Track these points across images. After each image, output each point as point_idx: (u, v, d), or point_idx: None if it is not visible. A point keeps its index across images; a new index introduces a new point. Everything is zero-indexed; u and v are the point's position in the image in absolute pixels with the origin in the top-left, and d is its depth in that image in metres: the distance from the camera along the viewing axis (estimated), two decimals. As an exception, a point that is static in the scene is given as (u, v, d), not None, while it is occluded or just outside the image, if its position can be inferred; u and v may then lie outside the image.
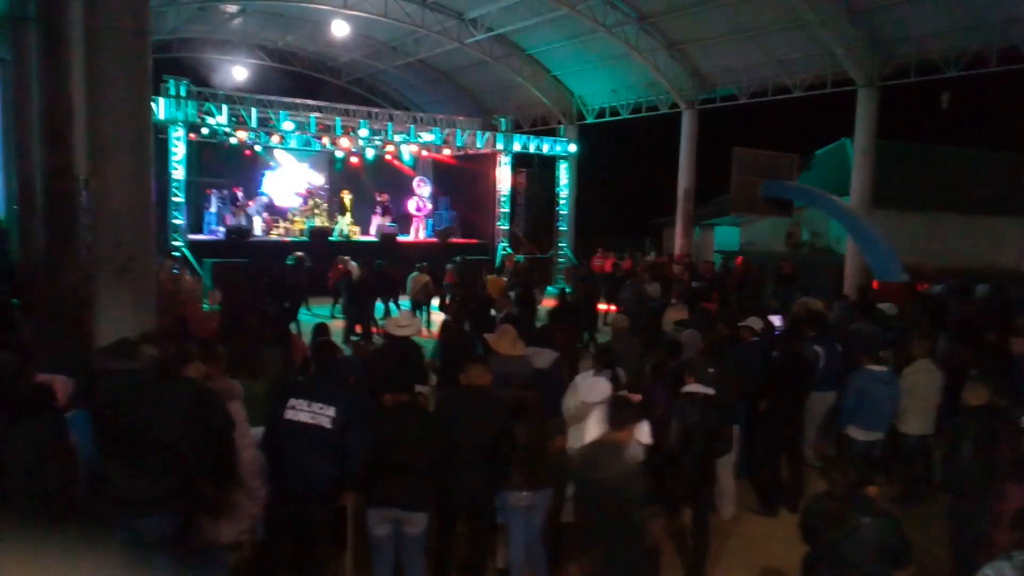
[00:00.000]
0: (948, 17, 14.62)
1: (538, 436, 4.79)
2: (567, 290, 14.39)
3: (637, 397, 4.96)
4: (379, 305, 14.06)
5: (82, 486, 3.55)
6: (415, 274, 14.51)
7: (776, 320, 8.63)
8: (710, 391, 5.48)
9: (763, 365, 6.86)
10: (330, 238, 19.65)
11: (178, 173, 16.83)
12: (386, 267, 14.98)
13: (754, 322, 7.56)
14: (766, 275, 17.90)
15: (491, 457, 4.62)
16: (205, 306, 11.34)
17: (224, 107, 17.20)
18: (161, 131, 15.79)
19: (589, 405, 5.65)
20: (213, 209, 20.05)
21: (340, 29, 20.03)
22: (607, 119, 23.04)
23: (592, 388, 5.76)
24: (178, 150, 16.78)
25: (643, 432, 4.83)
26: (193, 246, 17.07)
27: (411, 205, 23.81)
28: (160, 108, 15.90)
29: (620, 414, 4.35)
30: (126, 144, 6.45)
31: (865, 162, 16.78)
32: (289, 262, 14.84)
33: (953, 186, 24.91)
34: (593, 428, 5.21)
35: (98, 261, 6.53)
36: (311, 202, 21.64)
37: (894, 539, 3.60)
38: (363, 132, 18.97)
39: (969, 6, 14.13)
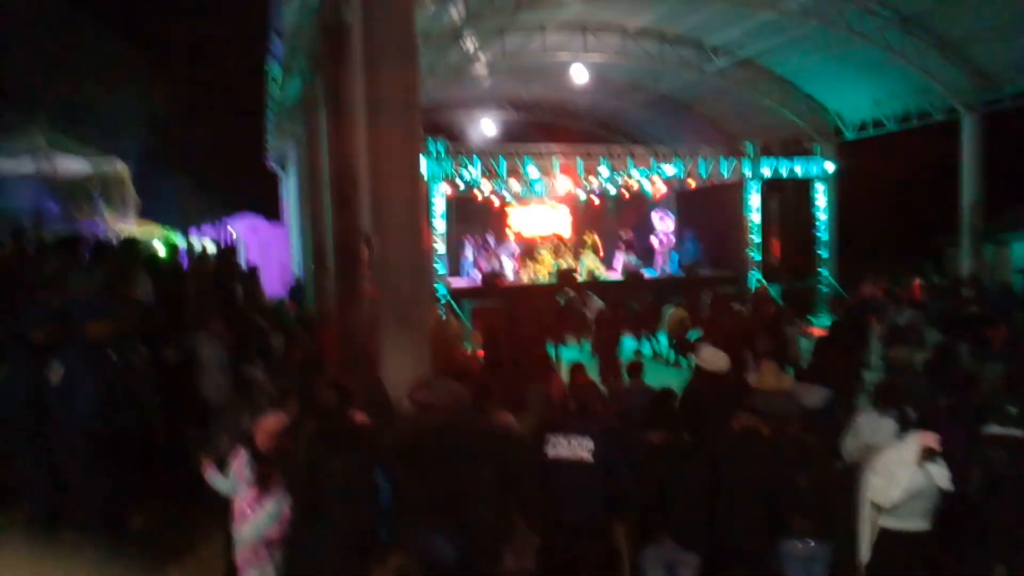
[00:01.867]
0: None
1: (822, 483, 4.43)
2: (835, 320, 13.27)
3: (934, 436, 4.41)
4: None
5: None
6: (671, 309, 14.38)
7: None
8: (1019, 433, 4.73)
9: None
10: (577, 277, 20.11)
11: (439, 225, 18.31)
12: (643, 306, 15.19)
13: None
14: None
15: (772, 505, 4.35)
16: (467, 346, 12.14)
17: (476, 159, 18.50)
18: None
19: (873, 448, 5.13)
20: (468, 255, 21.52)
21: (579, 74, 20.68)
22: (870, 133, 21.16)
23: (877, 429, 5.25)
24: (438, 204, 18.29)
25: (943, 474, 4.31)
26: (453, 291, 18.40)
27: (653, 240, 23.68)
28: (424, 168, 17.50)
29: None
30: (402, 203, 7.15)
31: None
32: (560, 302, 15.42)
33: None
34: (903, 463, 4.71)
35: (381, 310, 7.25)
36: (556, 243, 22.34)
37: None
38: (604, 171, 19.29)
39: None
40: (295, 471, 3.75)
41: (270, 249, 30.85)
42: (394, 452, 3.95)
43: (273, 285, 28.57)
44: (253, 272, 12.68)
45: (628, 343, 15.10)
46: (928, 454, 4.35)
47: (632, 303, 15.51)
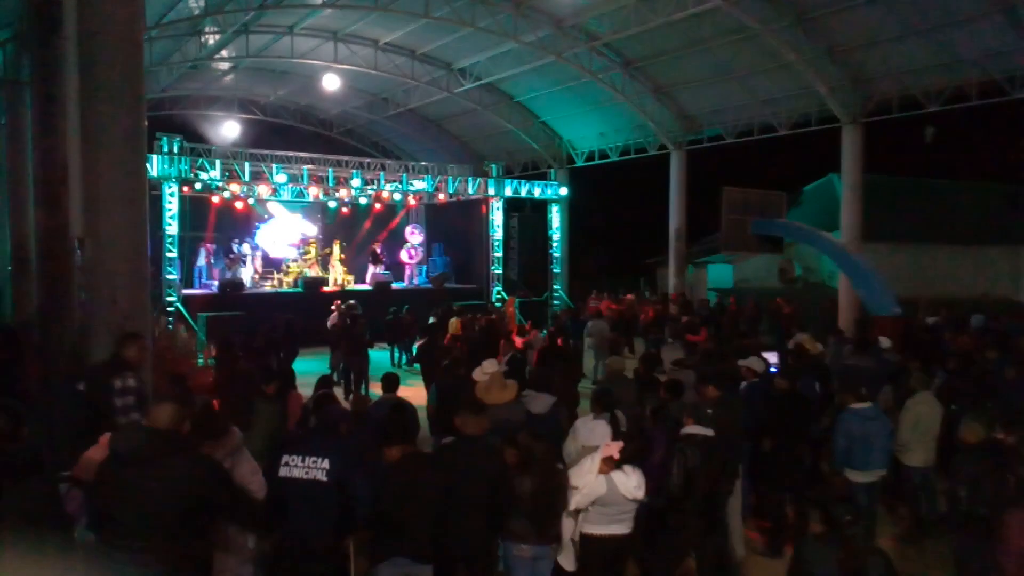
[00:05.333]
0: (927, 54, 14.96)
1: (546, 488, 4.71)
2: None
3: (618, 444, 4.83)
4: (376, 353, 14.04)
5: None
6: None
7: (771, 358, 8.62)
8: (709, 432, 5.42)
9: (764, 405, 6.82)
10: (323, 288, 19.67)
11: (172, 228, 16.89)
12: (401, 315, 15.53)
13: (755, 363, 7.55)
14: (760, 312, 17.92)
15: (488, 508, 4.55)
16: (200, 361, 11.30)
17: (217, 162, 17.36)
18: (154, 187, 15.89)
19: (589, 449, 5.60)
20: (201, 263, 20.07)
21: (331, 83, 20.34)
22: (596, 162, 23.32)
23: (592, 432, 5.70)
24: (172, 206, 16.88)
25: (629, 485, 4.68)
26: (187, 300, 17.05)
27: (403, 253, 23.96)
28: (154, 165, 16.04)
29: None
30: (121, 202, 6.50)
31: (853, 197, 16.98)
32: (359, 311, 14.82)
33: (941, 218, 25.15)
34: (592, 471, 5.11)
35: (94, 321, 6.52)
36: (306, 252, 21.68)
37: None
38: (355, 182, 19.15)
39: (947, 43, 14.47)
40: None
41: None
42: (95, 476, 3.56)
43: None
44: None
45: (380, 355, 15.12)
46: (610, 464, 4.63)
47: (392, 309, 15.68)
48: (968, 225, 25.09)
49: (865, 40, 15.33)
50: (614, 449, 4.69)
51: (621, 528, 4.76)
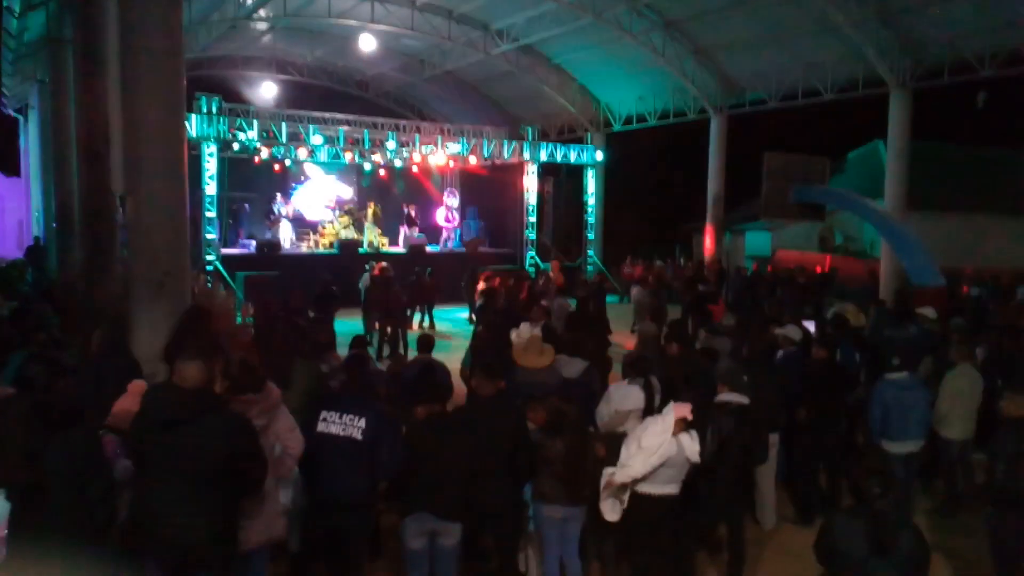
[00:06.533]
0: (981, 16, 14.33)
1: (577, 450, 4.73)
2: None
3: (688, 405, 4.79)
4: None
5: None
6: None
7: (810, 327, 8.49)
8: (744, 400, 5.38)
9: (801, 374, 6.74)
10: (360, 250, 19.82)
11: (210, 188, 17.10)
12: (425, 277, 15.42)
13: (792, 331, 7.45)
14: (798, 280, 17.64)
15: (511, 467, 4.59)
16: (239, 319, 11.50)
17: (255, 122, 17.46)
18: (194, 147, 16.07)
19: (623, 414, 5.61)
20: (243, 223, 20.36)
21: (367, 43, 20.24)
22: (634, 126, 22.96)
23: (626, 397, 5.71)
24: (210, 166, 17.07)
25: (694, 448, 4.66)
26: (225, 260, 17.32)
27: (439, 216, 23.98)
28: (192, 125, 16.18)
29: None
30: (161, 161, 6.58)
31: (899, 164, 16.49)
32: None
33: (990, 187, 24.36)
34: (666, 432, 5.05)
35: (134, 277, 6.66)
36: (340, 214, 21.83)
37: (920, 550, 3.53)
38: (391, 144, 19.13)
39: (1002, 4, 13.83)
40: (7, 455, 3.36)
41: (5, 205, 27.18)
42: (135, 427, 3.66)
43: (7, 245, 25.07)
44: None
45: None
46: (682, 425, 4.61)
47: (417, 270, 15.69)
48: (1017, 195, 24.29)
49: (916, 1, 14.74)
50: (686, 411, 4.63)
51: (673, 488, 4.78)
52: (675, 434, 4.61)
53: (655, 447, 4.58)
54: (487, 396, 4.79)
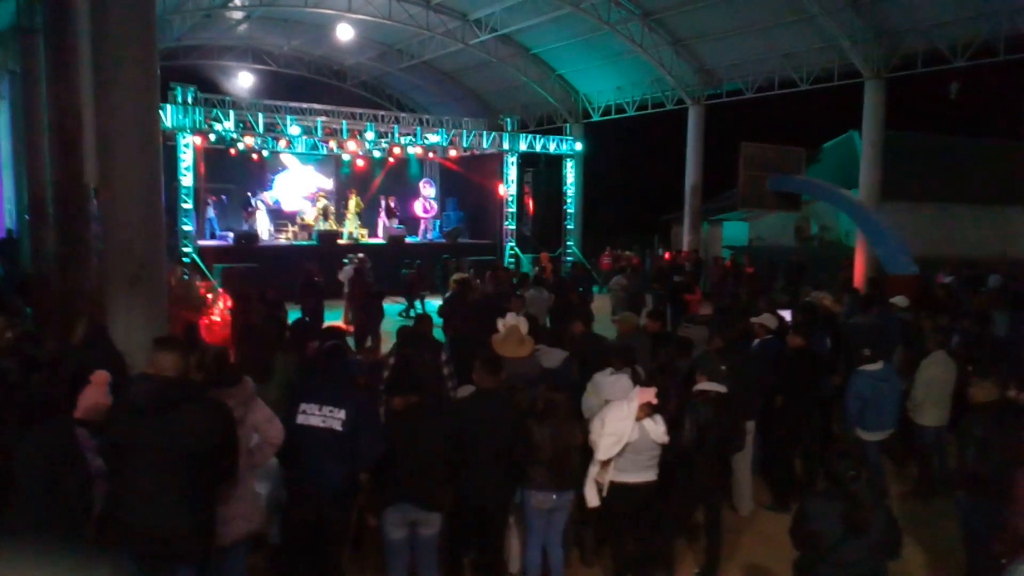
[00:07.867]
0: (954, 6, 14.51)
1: (564, 438, 4.76)
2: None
3: (653, 389, 4.87)
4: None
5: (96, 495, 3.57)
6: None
7: (785, 315, 8.59)
8: (722, 389, 5.44)
9: (777, 362, 6.82)
10: (339, 241, 19.70)
11: (186, 180, 16.90)
12: (411, 270, 15.65)
13: (768, 319, 7.53)
14: (776, 270, 17.83)
15: (507, 460, 4.62)
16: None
17: (231, 113, 17.27)
18: (169, 138, 15.86)
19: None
20: (214, 215, 20.10)
21: (344, 33, 20.07)
22: (613, 116, 23.00)
23: (614, 386, 5.75)
24: (186, 157, 16.86)
25: (659, 431, 4.79)
26: (202, 252, 17.16)
27: (417, 207, 23.90)
28: (167, 115, 15.97)
29: None
30: (135, 152, 6.50)
31: (873, 154, 16.68)
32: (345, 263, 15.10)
33: (963, 177, 24.73)
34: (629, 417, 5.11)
35: (110, 269, 6.58)
36: (319, 204, 21.66)
37: (892, 531, 3.63)
38: (369, 135, 19.02)
39: (975, -5, 14.03)
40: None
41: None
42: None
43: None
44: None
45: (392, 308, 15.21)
46: (646, 410, 4.72)
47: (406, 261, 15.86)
48: (990, 185, 24.68)
49: (891, -9, 14.90)
50: (650, 395, 4.72)
51: (650, 475, 4.86)
52: (639, 419, 4.69)
53: (620, 432, 4.69)
54: (486, 389, 4.83)
